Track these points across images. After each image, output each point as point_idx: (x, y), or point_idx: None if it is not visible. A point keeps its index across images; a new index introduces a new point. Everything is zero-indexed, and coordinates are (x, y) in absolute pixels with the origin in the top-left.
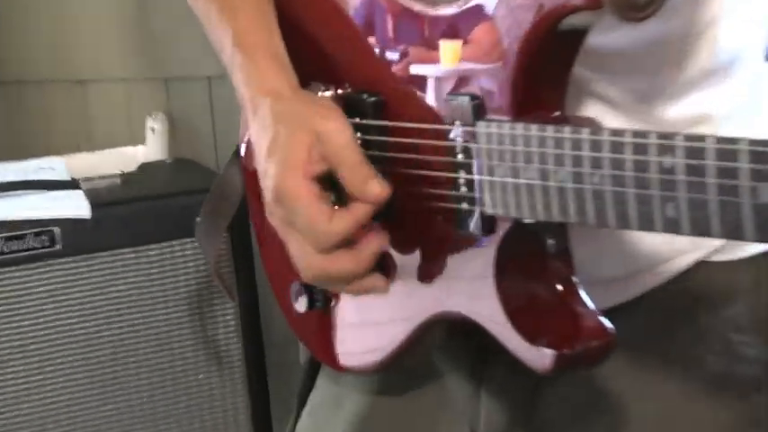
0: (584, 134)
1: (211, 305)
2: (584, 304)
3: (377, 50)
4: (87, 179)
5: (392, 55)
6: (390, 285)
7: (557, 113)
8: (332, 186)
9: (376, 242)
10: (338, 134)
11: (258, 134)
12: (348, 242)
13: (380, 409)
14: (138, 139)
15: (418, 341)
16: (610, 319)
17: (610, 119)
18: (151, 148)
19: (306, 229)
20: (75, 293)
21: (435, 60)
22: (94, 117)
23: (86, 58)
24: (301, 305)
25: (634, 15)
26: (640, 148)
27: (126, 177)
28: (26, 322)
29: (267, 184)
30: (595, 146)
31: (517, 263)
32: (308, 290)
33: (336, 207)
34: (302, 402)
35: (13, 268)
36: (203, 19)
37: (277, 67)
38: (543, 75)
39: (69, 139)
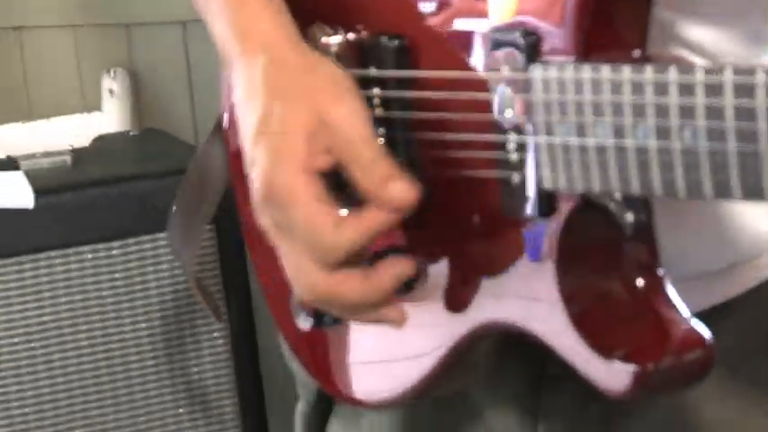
0: (672, 75)
1: (193, 324)
2: (673, 306)
3: None
4: (28, 157)
5: (427, 5)
6: (418, 295)
7: (636, 52)
8: (339, 186)
9: (399, 266)
10: (351, 123)
11: (245, 106)
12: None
13: None
14: (92, 104)
15: (454, 367)
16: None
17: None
18: (109, 116)
19: (304, 239)
20: (16, 305)
21: (483, 14)
22: (35, 76)
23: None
24: (306, 322)
25: None
26: (743, 90)
27: (78, 155)
28: None
29: (255, 176)
30: (686, 90)
31: (586, 254)
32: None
33: (346, 212)
34: None
35: None
36: None
37: (271, 11)
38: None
39: (4, 106)
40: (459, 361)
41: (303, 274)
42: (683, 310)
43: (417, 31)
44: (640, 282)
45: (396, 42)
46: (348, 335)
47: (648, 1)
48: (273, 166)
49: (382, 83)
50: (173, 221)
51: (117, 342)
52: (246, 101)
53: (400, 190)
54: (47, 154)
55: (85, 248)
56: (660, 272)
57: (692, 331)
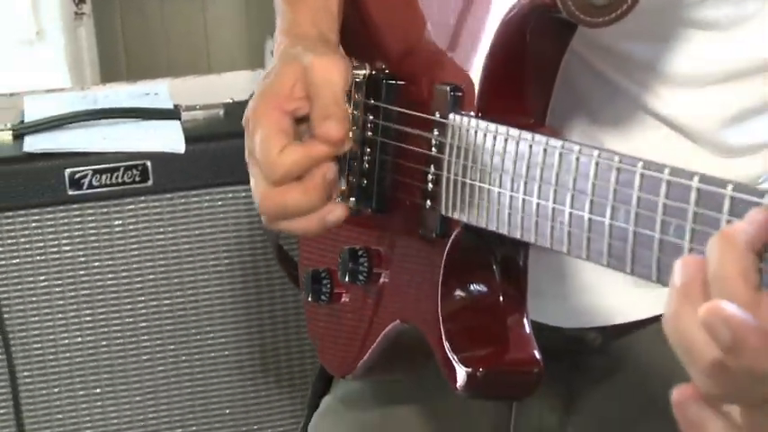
0: (552, 145)
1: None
2: (524, 328)
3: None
4: (189, 108)
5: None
6: (381, 286)
7: (532, 120)
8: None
9: (324, 170)
10: (323, 69)
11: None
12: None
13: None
14: (257, 62)
15: (389, 355)
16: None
17: (675, 139)
18: None
19: (259, 158)
20: (162, 233)
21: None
22: (214, 36)
23: None
24: (307, 294)
25: (593, 20)
26: (604, 169)
27: (231, 108)
28: (106, 261)
29: (246, 111)
30: (562, 160)
31: (469, 268)
32: (316, 281)
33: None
34: (314, 406)
35: (101, 203)
36: None
37: (313, 17)
38: (520, 77)
39: (188, 61)
40: (393, 350)
41: (259, 190)
42: (529, 334)
43: (405, 74)
44: (502, 302)
45: (389, 82)
46: (332, 318)
47: (551, 83)
48: (257, 101)
49: (376, 112)
50: None
51: (243, 268)
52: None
53: (333, 127)
54: (205, 106)
55: (228, 189)
56: (520, 298)
57: (530, 353)
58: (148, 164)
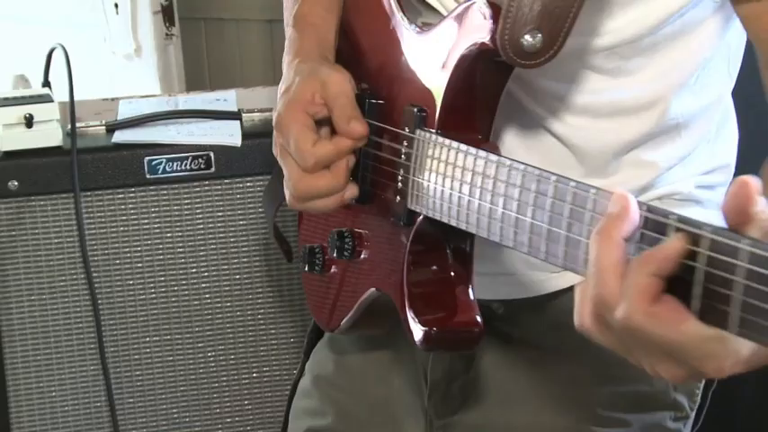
0: (490, 159)
1: None
2: (469, 296)
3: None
4: (249, 111)
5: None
6: (358, 263)
7: (479, 137)
8: (331, 133)
9: (347, 159)
10: (337, 83)
11: (279, 87)
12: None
13: (356, 358)
14: None
15: (366, 315)
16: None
17: (567, 157)
18: None
19: (294, 152)
20: (221, 211)
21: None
22: (278, 55)
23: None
24: (303, 265)
25: (525, 62)
26: (527, 177)
27: None
28: (178, 234)
29: (273, 117)
30: (498, 171)
31: (428, 250)
32: (311, 255)
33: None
34: (308, 352)
35: (173, 186)
36: None
37: (317, 42)
38: (470, 103)
39: (258, 74)
40: (368, 311)
41: (293, 178)
42: (474, 303)
43: (383, 93)
44: (452, 276)
45: (371, 101)
46: (325, 284)
47: (494, 108)
48: (285, 108)
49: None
50: (267, 187)
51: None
52: (281, 84)
53: (358, 125)
54: (261, 110)
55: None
56: (467, 275)
57: (472, 317)
58: (211, 154)
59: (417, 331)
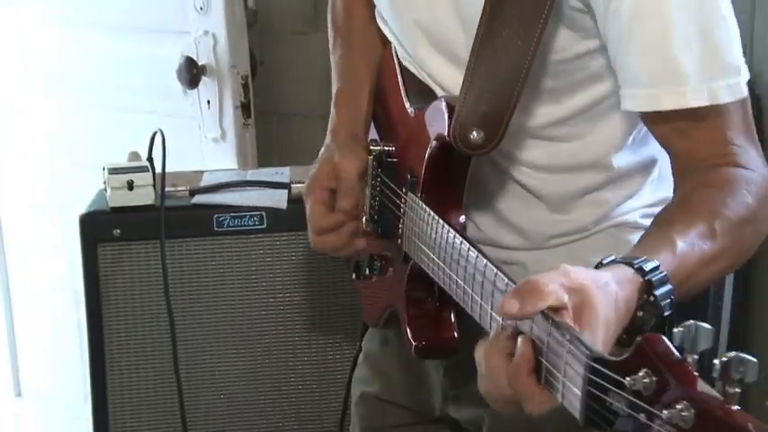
0: (447, 229)
1: None
2: (450, 321)
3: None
4: (298, 182)
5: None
6: (385, 279)
7: (452, 202)
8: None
9: (348, 227)
10: (345, 170)
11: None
12: (335, 229)
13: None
14: None
15: (387, 319)
16: None
17: (529, 199)
18: None
19: (308, 219)
20: (270, 258)
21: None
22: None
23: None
24: (351, 273)
25: (474, 152)
26: (472, 248)
27: None
28: (237, 274)
29: (303, 188)
30: (453, 242)
31: (420, 284)
32: (357, 268)
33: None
34: (362, 338)
35: (235, 237)
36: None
37: (350, 119)
38: (445, 175)
39: (314, 155)
40: (388, 317)
41: (310, 236)
42: (453, 323)
43: (397, 154)
44: (438, 305)
45: (386, 159)
46: (365, 287)
47: (464, 180)
48: (308, 182)
49: (381, 178)
50: None
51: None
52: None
53: (346, 203)
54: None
55: None
56: (449, 303)
57: (452, 335)
58: (263, 214)
59: (411, 344)
